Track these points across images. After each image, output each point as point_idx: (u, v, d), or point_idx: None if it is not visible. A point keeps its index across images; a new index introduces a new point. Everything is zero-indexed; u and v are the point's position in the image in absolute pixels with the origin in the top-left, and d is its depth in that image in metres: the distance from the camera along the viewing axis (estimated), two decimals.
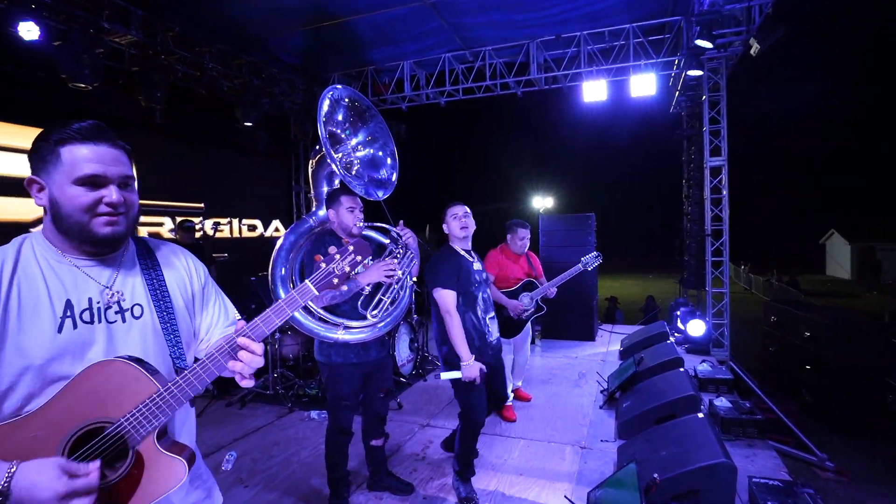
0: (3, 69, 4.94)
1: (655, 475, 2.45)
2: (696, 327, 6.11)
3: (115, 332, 1.12)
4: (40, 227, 1.14)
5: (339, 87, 2.60)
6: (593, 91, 7.23)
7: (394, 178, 2.78)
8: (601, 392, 4.66)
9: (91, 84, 4.77)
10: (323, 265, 1.24)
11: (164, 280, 1.22)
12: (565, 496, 2.81)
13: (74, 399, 1.02)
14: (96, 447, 1.02)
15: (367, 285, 2.56)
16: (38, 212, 5.01)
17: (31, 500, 0.90)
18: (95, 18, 4.82)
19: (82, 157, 1.08)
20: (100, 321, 1.10)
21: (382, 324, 2.60)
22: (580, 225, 6.87)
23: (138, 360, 1.08)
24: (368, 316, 2.55)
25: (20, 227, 5.10)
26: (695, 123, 8.78)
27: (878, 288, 22.28)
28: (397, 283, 2.63)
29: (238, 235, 8.14)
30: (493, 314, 2.99)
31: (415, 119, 9.06)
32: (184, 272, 1.29)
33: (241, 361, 1.11)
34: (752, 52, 5.67)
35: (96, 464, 0.97)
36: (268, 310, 1.17)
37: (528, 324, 4.40)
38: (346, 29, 6.59)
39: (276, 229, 8.95)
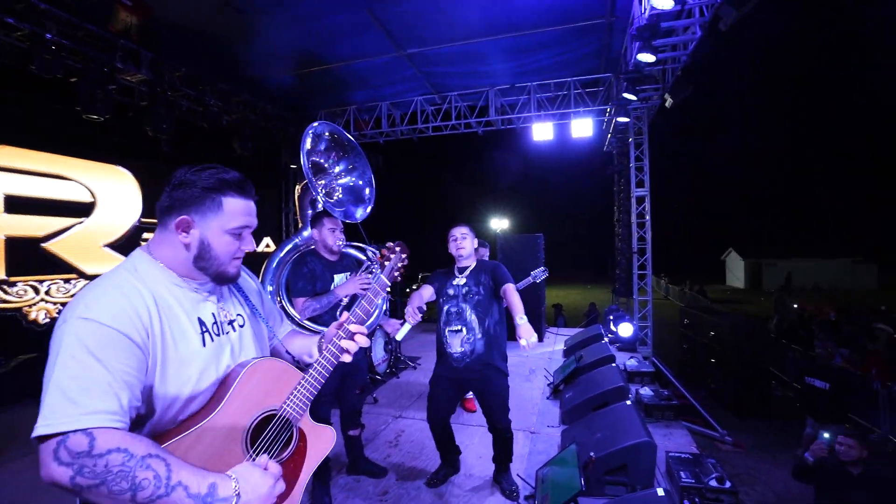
0: (23, 99, 4.74)
1: (592, 454, 2.54)
2: (625, 329, 6.31)
3: (233, 341, 1.13)
4: (138, 251, 1.07)
5: (316, 124, 2.62)
6: (541, 131, 7.48)
7: (370, 203, 2.79)
8: (548, 385, 4.76)
9: (103, 116, 4.62)
10: (387, 262, 1.40)
11: (245, 294, 1.26)
12: (517, 474, 2.86)
13: (242, 399, 1.03)
14: (271, 434, 1.07)
15: (345, 297, 2.56)
16: (49, 229, 4.83)
17: (256, 498, 0.91)
18: (109, 58, 4.69)
19: (239, 210, 1.08)
20: (224, 333, 1.11)
21: None
22: (531, 244, 7.02)
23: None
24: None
25: (34, 241, 4.86)
26: (623, 160, 9.14)
27: (764, 295, 23.60)
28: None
29: None
30: (457, 327, 2.62)
31: (391, 152, 9.13)
32: (253, 284, 1.32)
33: (354, 341, 1.23)
34: (666, 104, 6.01)
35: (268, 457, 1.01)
36: (361, 301, 1.28)
37: None
38: (332, 74, 6.62)
39: (267, 245, 8.77)
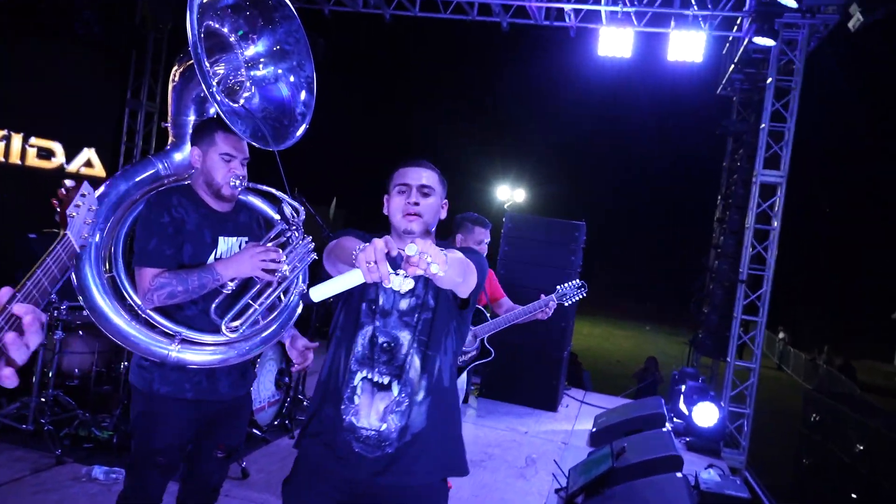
0: None
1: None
2: (706, 413, 6.38)
3: None
4: None
5: None
6: (613, 42, 7.45)
7: (304, 120, 2.77)
8: (556, 492, 4.77)
9: None
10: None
11: None
12: None
13: None
14: None
15: (232, 280, 2.51)
16: None
17: None
18: None
19: None
20: None
21: (247, 344, 2.56)
22: (564, 237, 7.01)
23: None
24: (224, 328, 2.48)
25: None
26: (749, 115, 9.24)
27: None
28: (279, 284, 2.59)
29: (19, 161, 7.74)
30: (382, 379, 2.17)
31: (341, 33, 8.97)
32: None
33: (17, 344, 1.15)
34: (850, 24, 6.02)
35: None
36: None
37: (464, 374, 4.46)
38: None
39: (88, 162, 8.64)
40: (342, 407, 2.17)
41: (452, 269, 1.87)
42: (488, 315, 4.39)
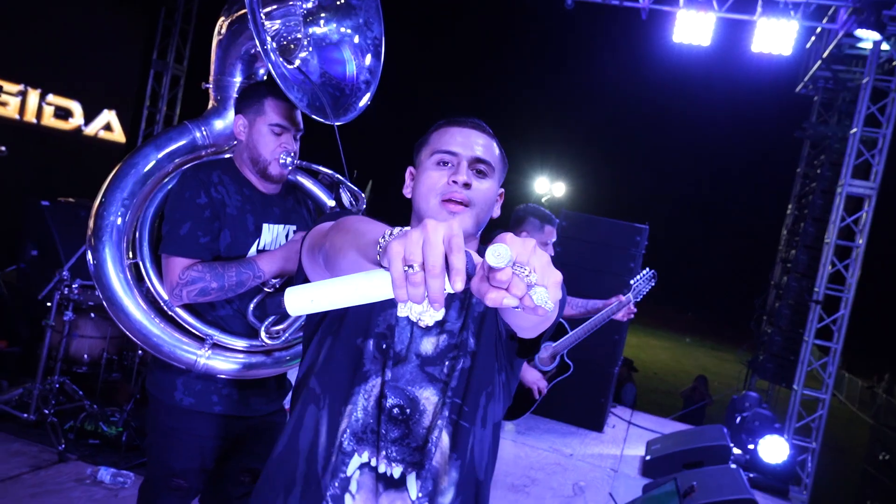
0: None
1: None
2: (775, 448, 6.09)
3: None
4: None
5: None
6: (691, 27, 7.15)
7: (368, 89, 2.61)
8: None
9: None
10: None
11: None
12: None
13: None
14: None
15: (275, 278, 2.31)
16: None
17: None
18: None
19: None
20: None
21: (287, 353, 2.38)
22: (624, 239, 6.74)
23: None
24: (263, 334, 2.26)
25: None
26: (832, 118, 8.89)
27: None
28: None
29: (34, 119, 7.82)
30: (393, 469, 1.43)
31: (391, 9, 8.81)
32: None
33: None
34: None
35: None
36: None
37: None
38: None
39: (108, 126, 8.73)
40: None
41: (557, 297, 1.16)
42: (567, 326, 4.21)
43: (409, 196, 1.54)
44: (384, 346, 1.41)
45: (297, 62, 2.49)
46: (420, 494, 1.38)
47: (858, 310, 7.35)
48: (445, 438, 1.42)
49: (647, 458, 5.93)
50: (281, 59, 2.33)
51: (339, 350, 1.44)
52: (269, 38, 2.26)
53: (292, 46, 2.52)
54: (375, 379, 1.40)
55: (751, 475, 6.14)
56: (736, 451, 6.62)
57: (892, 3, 5.75)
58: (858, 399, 21.98)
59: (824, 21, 7.48)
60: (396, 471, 1.38)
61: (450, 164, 1.46)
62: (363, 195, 2.53)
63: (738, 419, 7.31)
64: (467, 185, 1.42)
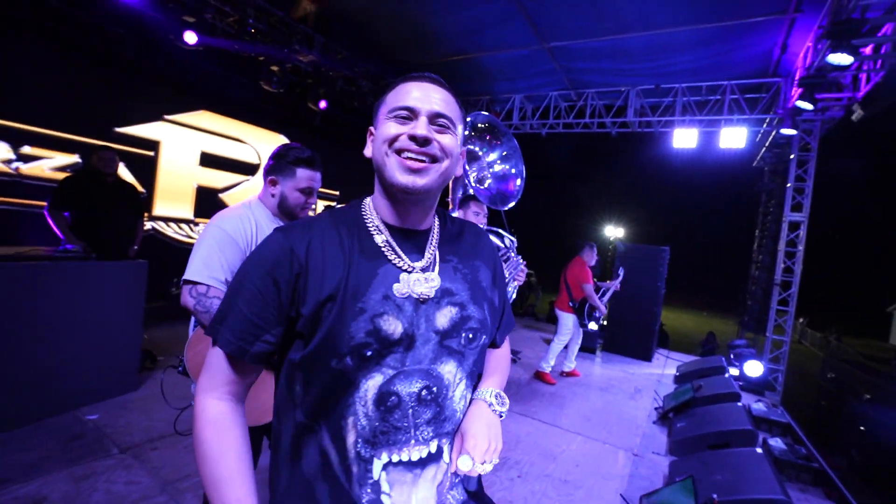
0: (219, 73, 5.61)
1: (714, 495, 2.28)
2: (754, 368, 5.58)
3: None
4: (255, 196, 1.64)
5: (482, 113, 2.61)
6: (684, 138, 6.82)
7: (517, 195, 2.65)
8: (655, 409, 4.40)
9: (279, 89, 5.28)
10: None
11: None
12: (621, 495, 2.69)
13: None
14: None
15: None
16: (226, 182, 5.71)
17: None
18: (288, 40, 5.31)
19: (306, 177, 1.58)
20: None
21: None
22: (654, 257, 6.49)
23: None
24: None
25: (214, 192, 5.83)
26: (777, 179, 8.01)
27: None
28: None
29: None
30: (419, 450, 0.79)
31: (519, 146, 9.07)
32: None
33: None
34: (854, 117, 5.06)
35: None
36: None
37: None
38: (472, 63, 6.73)
39: None
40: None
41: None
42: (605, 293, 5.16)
43: (368, 156, 0.84)
44: (368, 352, 0.75)
45: (486, 184, 2.62)
46: (452, 457, 0.83)
47: (806, 290, 6.55)
48: (468, 401, 0.87)
49: (677, 374, 5.64)
50: (476, 184, 2.58)
51: (314, 380, 0.76)
52: (471, 177, 2.54)
53: (483, 179, 2.65)
54: (366, 382, 0.76)
55: (740, 384, 5.67)
56: (733, 371, 6.12)
57: (802, 113, 5.23)
58: (818, 345, 18.73)
59: (764, 125, 6.87)
60: (433, 446, 0.80)
61: (409, 121, 0.79)
62: (513, 240, 2.52)
63: (732, 354, 6.71)
64: (427, 141, 0.78)
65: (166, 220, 5.33)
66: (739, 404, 3.79)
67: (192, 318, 1.52)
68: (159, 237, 5.25)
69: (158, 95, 5.15)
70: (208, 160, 5.70)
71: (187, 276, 1.37)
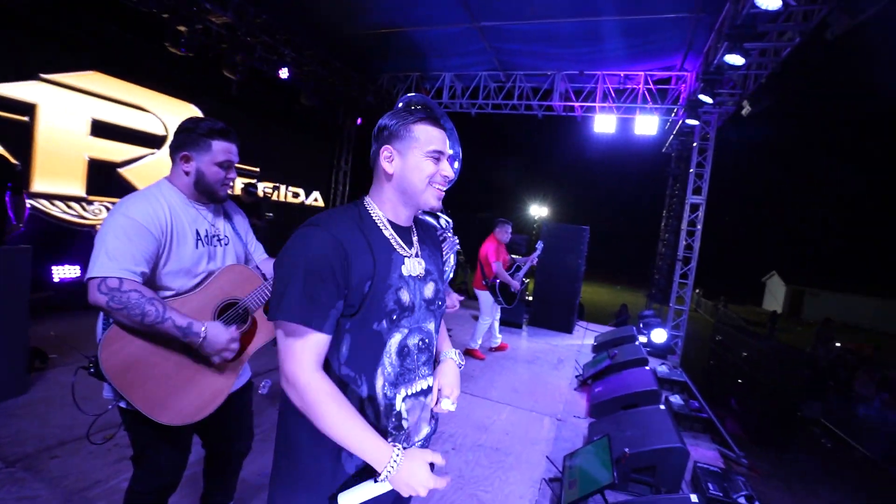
0: (113, 29, 4.95)
1: (626, 449, 2.57)
2: (659, 335, 6.21)
3: (218, 251, 1.54)
4: (164, 178, 1.48)
5: (411, 95, 2.55)
6: (604, 124, 7.26)
7: (455, 175, 2.66)
8: (576, 377, 4.77)
9: (188, 53, 4.78)
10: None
11: (234, 223, 1.64)
12: (547, 457, 2.93)
13: (218, 286, 1.49)
14: (232, 314, 1.50)
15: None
16: (126, 155, 5.12)
17: (216, 341, 1.36)
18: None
19: (223, 149, 1.45)
20: (212, 245, 1.52)
21: None
22: (575, 236, 6.90)
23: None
24: None
25: (112, 166, 5.17)
26: (682, 165, 8.83)
27: (801, 324, 22.74)
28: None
29: (283, 199, 8.14)
30: (422, 383, 1.14)
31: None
32: (242, 219, 1.70)
33: None
34: (743, 112, 5.72)
35: (235, 328, 1.45)
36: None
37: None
38: (403, 38, 6.57)
39: (315, 199, 8.96)
40: (389, 424, 1.06)
41: None
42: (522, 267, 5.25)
43: (391, 172, 1.06)
44: (394, 316, 1.03)
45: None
46: (432, 382, 1.15)
47: (702, 264, 7.37)
48: (438, 346, 1.24)
49: (595, 343, 6.10)
50: None
51: (361, 339, 1.01)
52: None
53: None
54: (391, 338, 1.03)
55: (648, 349, 6.28)
56: (641, 339, 6.75)
57: (703, 105, 5.79)
58: (710, 313, 21.26)
59: (672, 115, 7.50)
60: (429, 380, 1.14)
61: (440, 160, 1.08)
62: (449, 221, 2.60)
63: (641, 323, 7.39)
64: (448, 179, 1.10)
65: (51, 197, 4.69)
66: (647, 368, 4.22)
67: (101, 316, 1.38)
68: (43, 217, 4.62)
69: (34, 48, 4.45)
70: (102, 129, 5.03)
71: (93, 272, 1.24)
